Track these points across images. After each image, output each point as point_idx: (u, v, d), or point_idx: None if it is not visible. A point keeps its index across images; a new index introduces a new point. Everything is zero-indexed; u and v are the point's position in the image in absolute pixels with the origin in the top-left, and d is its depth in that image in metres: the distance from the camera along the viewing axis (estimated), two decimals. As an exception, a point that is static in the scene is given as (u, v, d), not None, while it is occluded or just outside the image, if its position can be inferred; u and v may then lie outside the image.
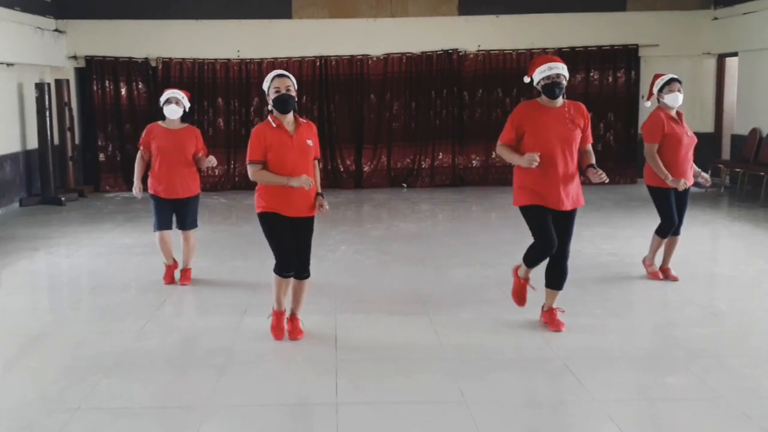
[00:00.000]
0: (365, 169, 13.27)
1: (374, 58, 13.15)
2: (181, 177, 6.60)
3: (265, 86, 5.01)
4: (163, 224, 6.73)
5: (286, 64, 13.01)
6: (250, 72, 13.01)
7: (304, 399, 4.31)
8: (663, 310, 5.91)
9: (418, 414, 4.12)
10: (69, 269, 7.77)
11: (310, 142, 5.06)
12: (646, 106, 6.81)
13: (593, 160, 5.22)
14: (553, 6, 13.07)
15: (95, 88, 12.92)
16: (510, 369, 4.72)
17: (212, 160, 6.65)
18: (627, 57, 13.20)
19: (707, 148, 13.08)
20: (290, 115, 5.01)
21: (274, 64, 12.96)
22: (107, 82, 12.93)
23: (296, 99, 5.00)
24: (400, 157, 13.34)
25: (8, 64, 11.17)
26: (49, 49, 12.40)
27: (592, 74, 13.16)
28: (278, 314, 5.27)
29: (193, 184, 6.72)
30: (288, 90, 4.94)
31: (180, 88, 12.74)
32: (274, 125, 4.98)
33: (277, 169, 4.96)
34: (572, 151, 5.09)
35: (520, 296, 5.53)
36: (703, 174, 6.53)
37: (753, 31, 11.90)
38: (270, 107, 5.01)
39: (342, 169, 13.28)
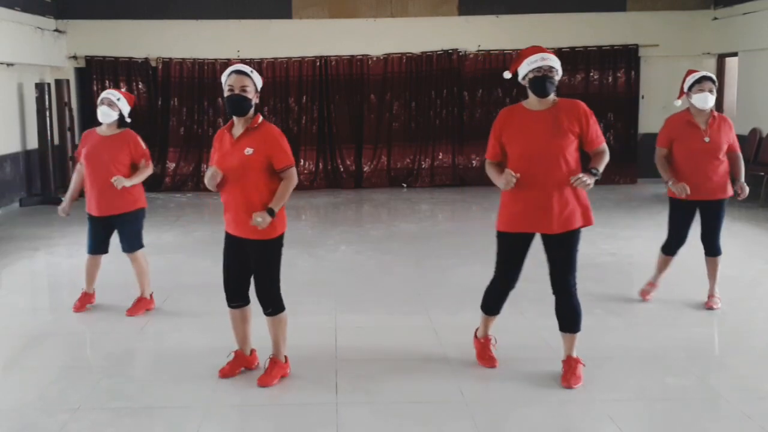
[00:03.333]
0: (365, 169, 13.27)
1: (374, 58, 13.15)
2: (110, 190, 5.67)
3: (223, 80, 4.40)
4: (93, 247, 5.90)
5: (286, 64, 13.02)
6: (250, 72, 12.98)
7: (304, 399, 4.31)
8: (663, 310, 5.91)
9: (418, 414, 4.12)
10: (69, 269, 7.76)
11: (249, 150, 4.27)
12: (677, 105, 6.01)
13: (598, 164, 4.36)
14: (553, 6, 13.07)
15: (95, 88, 12.90)
16: (510, 369, 4.71)
17: (121, 180, 5.61)
18: (627, 57, 13.19)
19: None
20: (245, 119, 4.35)
21: (274, 64, 12.97)
22: (107, 82, 12.92)
23: (252, 102, 4.32)
24: (400, 157, 13.33)
25: (8, 64, 11.17)
26: (49, 49, 12.40)
27: (592, 74, 13.16)
28: (236, 353, 4.68)
29: (125, 198, 5.74)
30: (243, 90, 4.28)
31: (180, 88, 13.08)
32: (231, 128, 4.42)
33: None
34: (559, 163, 4.26)
35: (483, 357, 4.75)
36: (741, 183, 5.82)
37: (753, 31, 11.90)
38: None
39: (342, 169, 13.28)
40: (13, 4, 11.09)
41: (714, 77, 5.73)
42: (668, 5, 13.21)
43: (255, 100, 4.37)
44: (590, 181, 4.24)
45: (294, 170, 4.40)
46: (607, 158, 4.40)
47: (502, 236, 4.51)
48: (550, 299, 5.95)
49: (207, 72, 13.05)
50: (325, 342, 5.20)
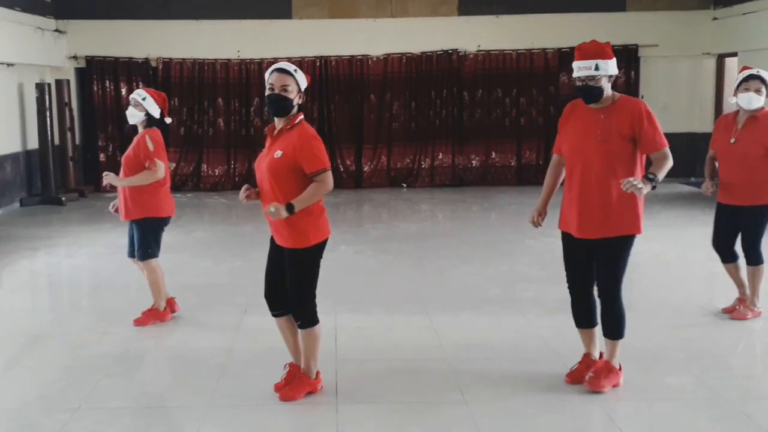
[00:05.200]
0: (365, 169, 13.27)
1: (374, 58, 13.15)
2: (122, 194, 5.50)
3: (265, 78, 4.21)
4: (129, 250, 5.77)
5: (286, 64, 13.00)
6: (250, 72, 13.01)
7: (304, 399, 4.30)
8: (663, 309, 5.91)
9: (418, 414, 4.12)
10: (69, 269, 7.77)
11: (278, 153, 4.04)
12: (730, 102, 5.59)
13: (658, 169, 4.08)
14: (553, 6, 13.07)
15: (95, 88, 12.92)
16: (510, 369, 4.71)
17: (110, 178, 5.43)
18: (627, 57, 13.17)
19: (707, 147, 13.08)
20: (285, 119, 4.12)
21: (274, 64, 12.95)
22: (107, 82, 12.94)
23: (293, 102, 4.10)
24: (400, 157, 13.33)
25: (8, 64, 11.17)
26: (49, 49, 12.40)
27: (592, 74, 13.15)
28: (290, 365, 4.42)
29: (133, 205, 5.46)
30: (284, 89, 4.06)
31: (180, 88, 13.06)
32: (273, 128, 4.22)
33: None
34: (602, 166, 4.10)
35: (571, 375, 4.50)
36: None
37: (753, 31, 11.90)
38: None
39: (342, 169, 13.27)
40: (13, 4, 11.09)
41: (765, 76, 5.32)
42: (668, 5, 13.21)
43: (297, 101, 4.13)
44: (642, 185, 3.94)
45: (327, 174, 4.11)
46: (669, 164, 4.11)
47: (562, 234, 4.42)
48: (551, 300, 5.97)
49: (207, 72, 13.04)
50: (325, 342, 5.16)
